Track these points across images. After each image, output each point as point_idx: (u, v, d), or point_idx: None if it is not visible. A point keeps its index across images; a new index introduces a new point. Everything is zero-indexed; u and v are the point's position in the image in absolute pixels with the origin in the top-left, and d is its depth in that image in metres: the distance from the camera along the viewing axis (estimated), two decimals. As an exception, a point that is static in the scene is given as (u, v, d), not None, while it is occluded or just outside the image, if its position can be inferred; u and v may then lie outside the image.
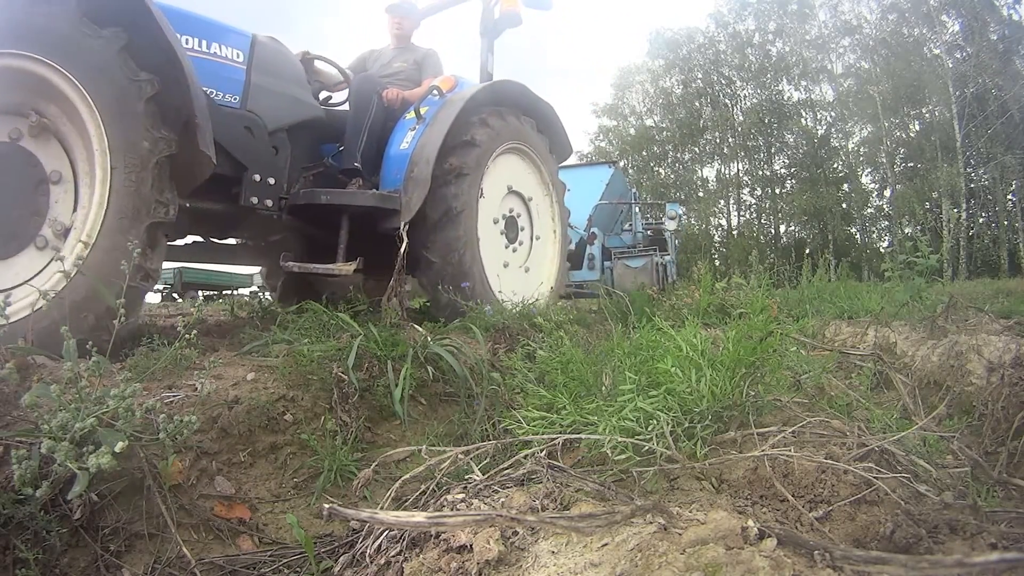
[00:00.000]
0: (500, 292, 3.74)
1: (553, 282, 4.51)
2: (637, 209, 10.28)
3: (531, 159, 4.35)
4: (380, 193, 3.30)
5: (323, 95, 3.88)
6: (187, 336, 1.87)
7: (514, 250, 4.26)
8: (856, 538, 1.15)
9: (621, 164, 10.37)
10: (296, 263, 3.11)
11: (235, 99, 2.90)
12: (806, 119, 27.19)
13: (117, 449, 1.21)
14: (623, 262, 8.34)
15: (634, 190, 11.98)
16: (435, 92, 3.60)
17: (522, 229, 4.32)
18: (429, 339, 2.41)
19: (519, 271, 4.27)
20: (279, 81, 3.17)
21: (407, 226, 3.21)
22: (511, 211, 4.20)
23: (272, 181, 3.01)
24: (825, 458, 1.30)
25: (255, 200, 2.94)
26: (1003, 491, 1.28)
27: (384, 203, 3.27)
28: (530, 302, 3.72)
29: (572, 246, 7.94)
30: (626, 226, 10.64)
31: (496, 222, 4.00)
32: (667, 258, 8.38)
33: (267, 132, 3.01)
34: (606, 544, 0.96)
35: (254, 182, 2.92)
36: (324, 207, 3.17)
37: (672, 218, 9.52)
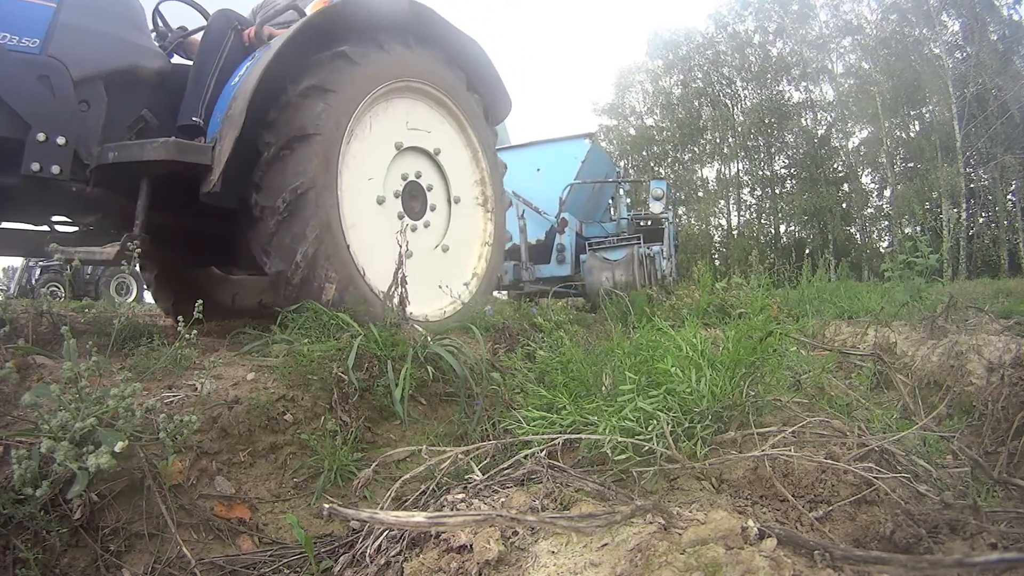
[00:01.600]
0: (397, 293, 2.71)
1: (483, 267, 3.59)
2: (622, 191, 8.68)
3: (440, 102, 3.35)
4: (180, 142, 2.50)
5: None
6: (187, 336, 1.88)
7: (426, 224, 3.33)
8: (856, 538, 1.15)
9: (598, 136, 8.51)
10: (61, 248, 2.27)
11: (34, 43, 2.37)
12: (806, 119, 27.19)
13: (117, 449, 1.21)
14: (599, 254, 6.87)
15: (619, 169, 10.33)
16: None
17: (430, 192, 3.37)
18: (429, 339, 2.41)
19: (434, 254, 3.36)
20: (100, 20, 2.56)
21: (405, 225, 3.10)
22: (412, 176, 3.25)
23: (62, 141, 2.38)
24: (825, 458, 1.30)
25: (36, 167, 2.33)
26: (1003, 491, 1.28)
27: (185, 155, 2.45)
28: (447, 307, 3.20)
29: (543, 236, 7.24)
30: (614, 213, 9.02)
31: (382, 201, 3.03)
32: (656, 249, 6.83)
33: (71, 82, 2.41)
34: (606, 544, 0.96)
35: (37, 143, 2.34)
36: (125, 171, 2.48)
37: (657, 198, 7.64)
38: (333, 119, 2.65)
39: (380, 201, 3.01)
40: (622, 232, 7.64)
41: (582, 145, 7.64)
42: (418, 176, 3.28)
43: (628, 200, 9.56)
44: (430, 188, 3.36)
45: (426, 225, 3.33)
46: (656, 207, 7.70)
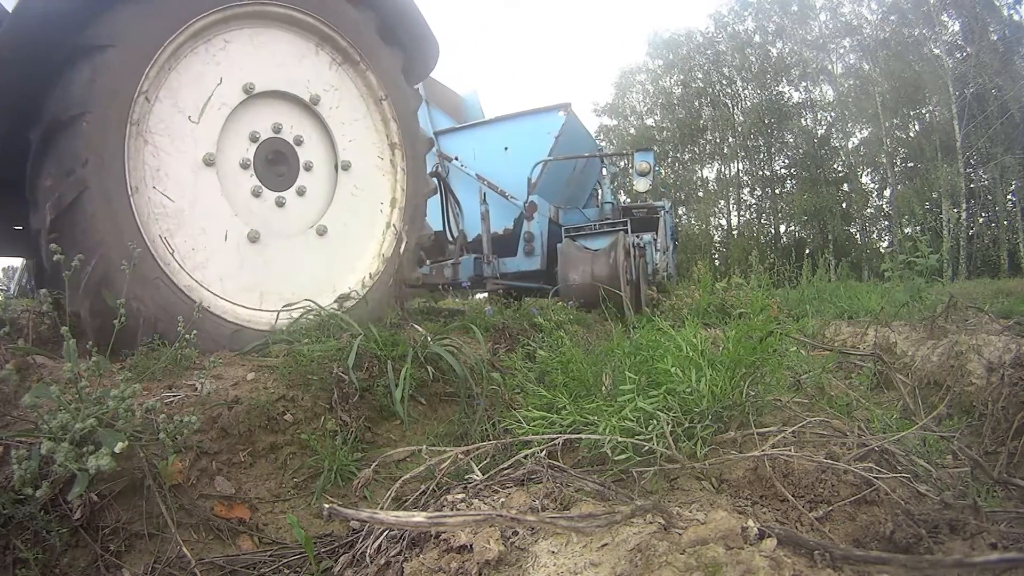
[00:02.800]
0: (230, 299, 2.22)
1: (379, 265, 2.79)
2: (605, 171, 7.42)
3: (322, 36, 2.60)
4: None
5: None
6: (187, 336, 1.87)
7: (301, 192, 2.57)
8: (856, 538, 1.15)
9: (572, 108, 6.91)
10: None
11: None
12: (806, 119, 27.20)
13: (117, 449, 1.21)
14: (576, 242, 5.81)
15: (603, 145, 8.15)
16: None
17: (302, 149, 2.59)
18: (429, 339, 2.41)
19: (305, 239, 2.58)
20: None
21: (404, 220, 2.95)
22: (271, 131, 2.48)
23: None
24: (825, 458, 1.30)
25: None
26: (1003, 491, 1.28)
27: None
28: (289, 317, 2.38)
29: (511, 225, 6.21)
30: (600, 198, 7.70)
31: (217, 167, 2.28)
32: (647, 238, 5.79)
33: None
34: (606, 544, 0.96)
35: None
36: None
37: (643, 172, 6.26)
38: (111, 87, 1.97)
39: (215, 166, 2.26)
40: (606, 217, 6.53)
41: (555, 119, 6.41)
42: (277, 131, 2.49)
43: (614, 183, 8.35)
44: (299, 142, 2.57)
45: (301, 192, 2.58)
46: (641, 184, 6.22)
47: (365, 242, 2.83)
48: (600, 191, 7.52)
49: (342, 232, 2.71)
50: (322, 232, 2.65)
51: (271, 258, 2.47)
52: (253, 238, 2.39)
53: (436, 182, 4.89)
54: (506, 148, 6.47)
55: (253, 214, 2.43)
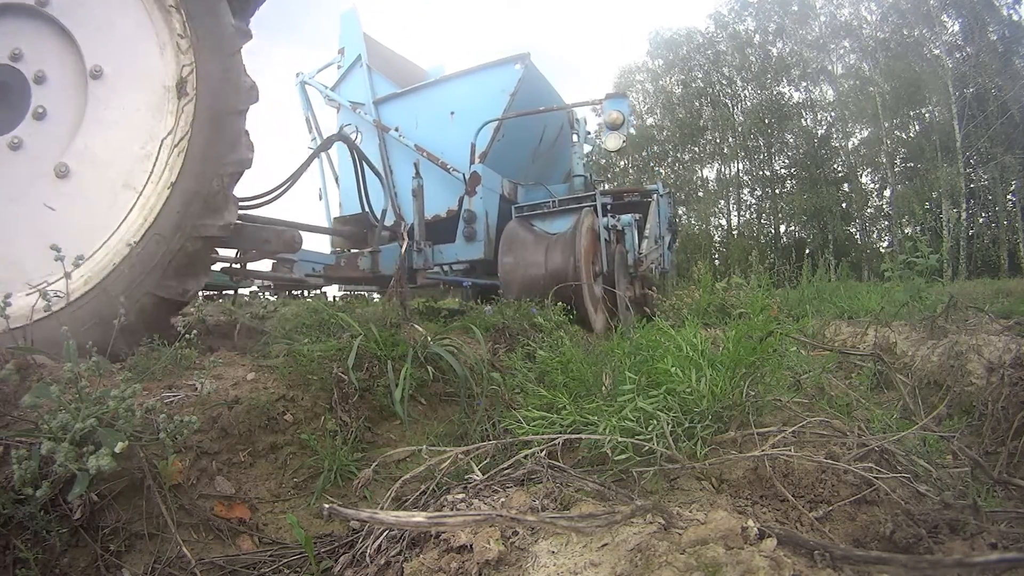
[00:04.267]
0: None
1: (136, 229, 1.95)
2: (575, 136, 5.94)
3: None
4: None
5: None
6: (187, 336, 1.87)
7: (38, 114, 1.99)
8: (856, 538, 1.15)
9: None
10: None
11: None
12: (806, 119, 27.20)
13: (117, 449, 1.21)
14: (528, 224, 4.66)
15: (580, 116, 6.70)
16: None
17: (23, 64, 2.02)
18: (429, 339, 2.41)
19: (40, 185, 1.98)
20: None
21: (406, 225, 2.83)
22: None
23: None
24: (825, 458, 1.30)
25: None
26: (1003, 491, 1.28)
27: None
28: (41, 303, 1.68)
29: (455, 205, 5.01)
30: (578, 171, 6.20)
31: None
32: (626, 219, 4.51)
33: None
34: (606, 544, 0.96)
35: None
36: None
37: (614, 125, 4.78)
38: None
39: None
40: (577, 193, 5.23)
41: (510, 73, 5.06)
42: None
43: (588, 148, 6.75)
44: (17, 57, 2.00)
45: (37, 117, 1.94)
46: (612, 141, 4.78)
47: (117, 194, 1.97)
48: (573, 164, 6.05)
49: (88, 173, 1.97)
50: (62, 174, 1.95)
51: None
52: None
53: (352, 153, 3.98)
54: (452, 113, 5.25)
55: None
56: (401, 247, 3.97)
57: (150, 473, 1.39)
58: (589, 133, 7.19)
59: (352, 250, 4.28)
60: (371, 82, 5.75)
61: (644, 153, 29.39)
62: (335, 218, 4.97)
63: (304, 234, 2.95)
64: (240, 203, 2.77)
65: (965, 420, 1.86)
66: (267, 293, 4.51)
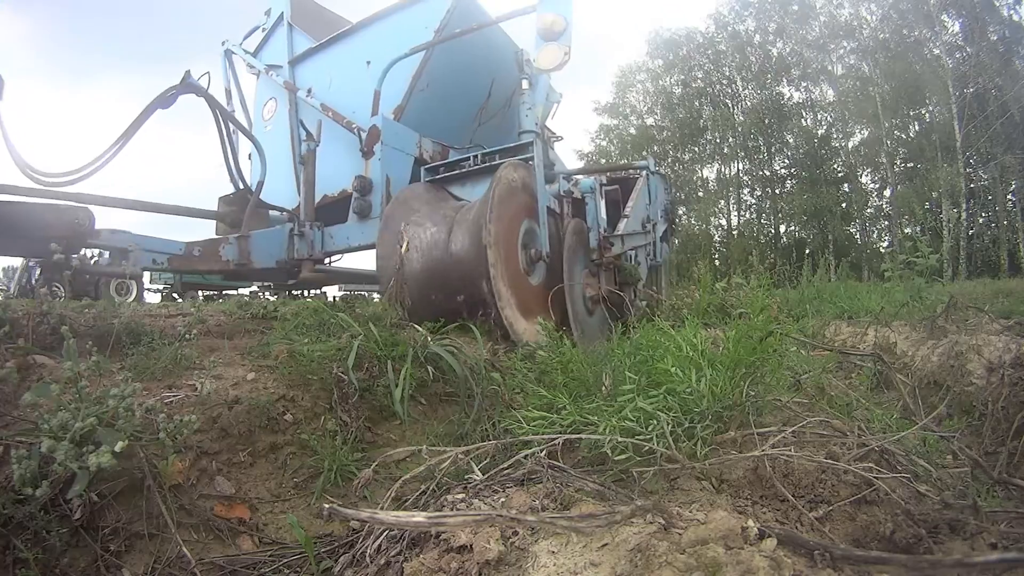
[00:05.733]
0: None
1: None
2: (525, 83, 3.42)
3: None
4: None
5: None
6: (187, 336, 1.87)
7: None
8: (856, 538, 1.15)
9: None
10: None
11: None
12: (806, 119, 27.21)
13: (117, 449, 1.21)
14: (439, 189, 3.50)
15: (527, 56, 3.56)
16: None
17: None
18: (429, 339, 2.41)
19: None
20: None
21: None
22: None
23: None
24: (825, 458, 1.30)
25: None
26: (1003, 491, 1.28)
27: None
28: None
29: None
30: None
31: None
32: (586, 183, 3.42)
33: None
34: (606, 544, 0.96)
35: None
36: None
37: (548, 34, 3.18)
38: None
39: None
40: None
41: (436, 4, 3.96)
42: None
43: (551, 108, 5.26)
44: None
45: None
46: (547, 57, 3.20)
47: None
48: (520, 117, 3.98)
49: None
50: None
51: None
52: None
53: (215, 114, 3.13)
54: (368, 63, 4.15)
55: None
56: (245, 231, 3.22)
57: (150, 473, 1.39)
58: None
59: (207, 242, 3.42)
60: (291, 41, 4.95)
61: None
62: (219, 198, 3.90)
63: (168, 218, 2.41)
64: (45, 180, 2.38)
65: (965, 420, 1.86)
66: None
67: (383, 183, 3.54)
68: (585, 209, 3.35)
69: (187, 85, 3.09)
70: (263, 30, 5.42)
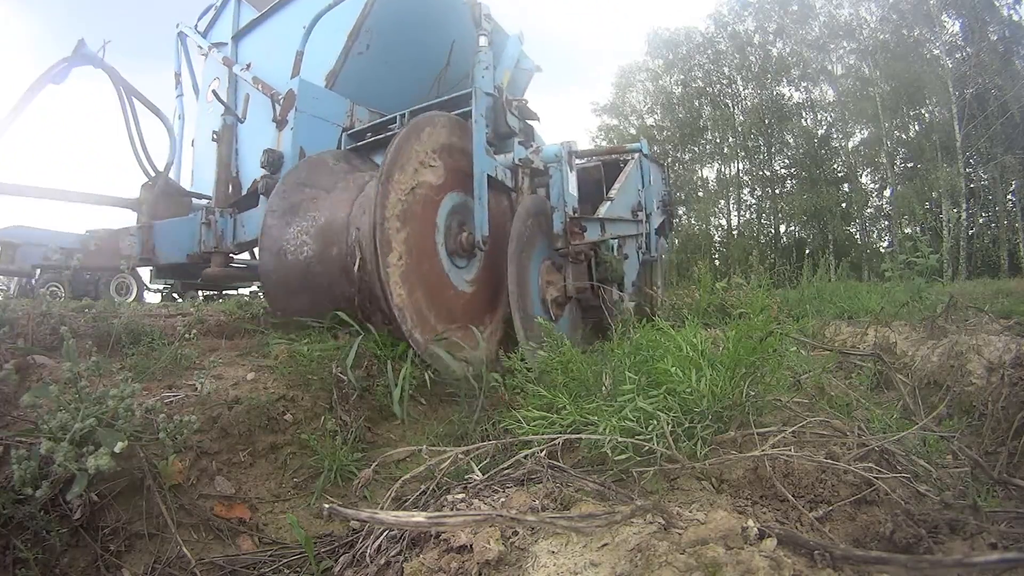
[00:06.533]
0: None
1: None
2: (483, 40, 2.81)
3: None
4: None
5: None
6: (187, 336, 1.87)
7: None
8: (856, 538, 1.15)
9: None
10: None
11: None
12: (806, 119, 27.22)
13: (117, 449, 1.21)
14: (359, 156, 3.00)
15: (486, 10, 2.96)
16: None
17: None
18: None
19: None
20: None
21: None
22: None
23: None
24: (825, 458, 1.30)
25: None
26: (1003, 491, 1.28)
27: None
28: None
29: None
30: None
31: None
32: (550, 151, 2.77)
33: None
34: (606, 544, 0.96)
35: None
36: None
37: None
38: None
39: None
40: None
41: None
42: None
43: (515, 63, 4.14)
44: None
45: None
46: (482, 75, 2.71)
47: None
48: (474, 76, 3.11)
49: None
50: None
51: None
52: None
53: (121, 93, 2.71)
54: (304, 27, 3.52)
55: None
56: (144, 222, 2.73)
57: (150, 473, 1.39)
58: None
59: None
60: (238, 15, 4.39)
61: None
62: (141, 185, 3.46)
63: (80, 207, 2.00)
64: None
65: (965, 420, 1.86)
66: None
67: (295, 157, 2.89)
68: (551, 186, 2.62)
69: (81, 56, 2.70)
70: (215, 8, 4.85)
